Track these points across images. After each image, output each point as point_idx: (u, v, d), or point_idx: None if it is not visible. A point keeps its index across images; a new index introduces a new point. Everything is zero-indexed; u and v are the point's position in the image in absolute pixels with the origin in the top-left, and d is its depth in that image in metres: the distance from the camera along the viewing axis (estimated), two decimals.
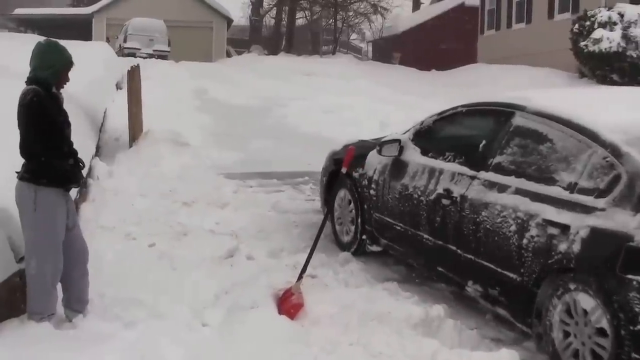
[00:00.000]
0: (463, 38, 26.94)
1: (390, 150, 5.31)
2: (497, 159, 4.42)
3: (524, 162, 4.26)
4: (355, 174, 5.83)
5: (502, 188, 4.28)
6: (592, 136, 3.89)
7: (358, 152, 5.93)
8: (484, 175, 4.46)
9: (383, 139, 5.58)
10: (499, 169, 4.38)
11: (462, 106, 5.00)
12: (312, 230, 6.46)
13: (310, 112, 13.24)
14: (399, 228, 5.27)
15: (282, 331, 4.08)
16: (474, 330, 4.28)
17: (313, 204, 7.52)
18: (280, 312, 4.38)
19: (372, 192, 5.58)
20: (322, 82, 16.90)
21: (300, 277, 4.64)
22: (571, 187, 3.87)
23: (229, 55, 34.48)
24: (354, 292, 4.70)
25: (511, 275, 4.12)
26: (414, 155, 5.23)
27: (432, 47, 28.13)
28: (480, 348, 4.05)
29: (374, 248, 5.76)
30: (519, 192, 4.15)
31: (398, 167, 5.33)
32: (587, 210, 3.71)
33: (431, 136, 5.25)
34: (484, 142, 4.60)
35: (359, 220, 5.80)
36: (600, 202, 3.68)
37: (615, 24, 15.55)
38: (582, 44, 15.99)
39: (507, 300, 4.21)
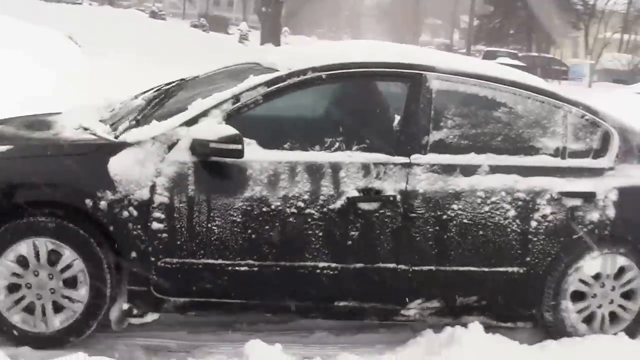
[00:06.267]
0: None
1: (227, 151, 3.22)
2: (435, 135, 3.48)
3: (480, 134, 3.55)
4: (100, 203, 3.19)
5: (468, 170, 3.48)
6: (554, 95, 3.64)
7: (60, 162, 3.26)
8: (423, 159, 3.45)
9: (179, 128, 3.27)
10: (444, 148, 3.49)
11: (314, 69, 3.46)
12: None
13: None
14: (243, 269, 3.34)
15: None
16: None
17: None
18: None
19: (156, 225, 3.25)
20: None
21: None
22: (560, 153, 3.57)
23: None
24: None
25: (508, 269, 3.52)
26: (247, 153, 3.35)
27: None
28: None
29: (147, 318, 3.40)
30: (497, 170, 3.49)
31: (220, 174, 3.31)
32: (596, 173, 3.58)
33: (271, 119, 3.48)
34: (397, 118, 3.49)
35: (113, 280, 3.28)
36: (604, 162, 3.61)
37: None
38: None
39: (492, 302, 3.54)
